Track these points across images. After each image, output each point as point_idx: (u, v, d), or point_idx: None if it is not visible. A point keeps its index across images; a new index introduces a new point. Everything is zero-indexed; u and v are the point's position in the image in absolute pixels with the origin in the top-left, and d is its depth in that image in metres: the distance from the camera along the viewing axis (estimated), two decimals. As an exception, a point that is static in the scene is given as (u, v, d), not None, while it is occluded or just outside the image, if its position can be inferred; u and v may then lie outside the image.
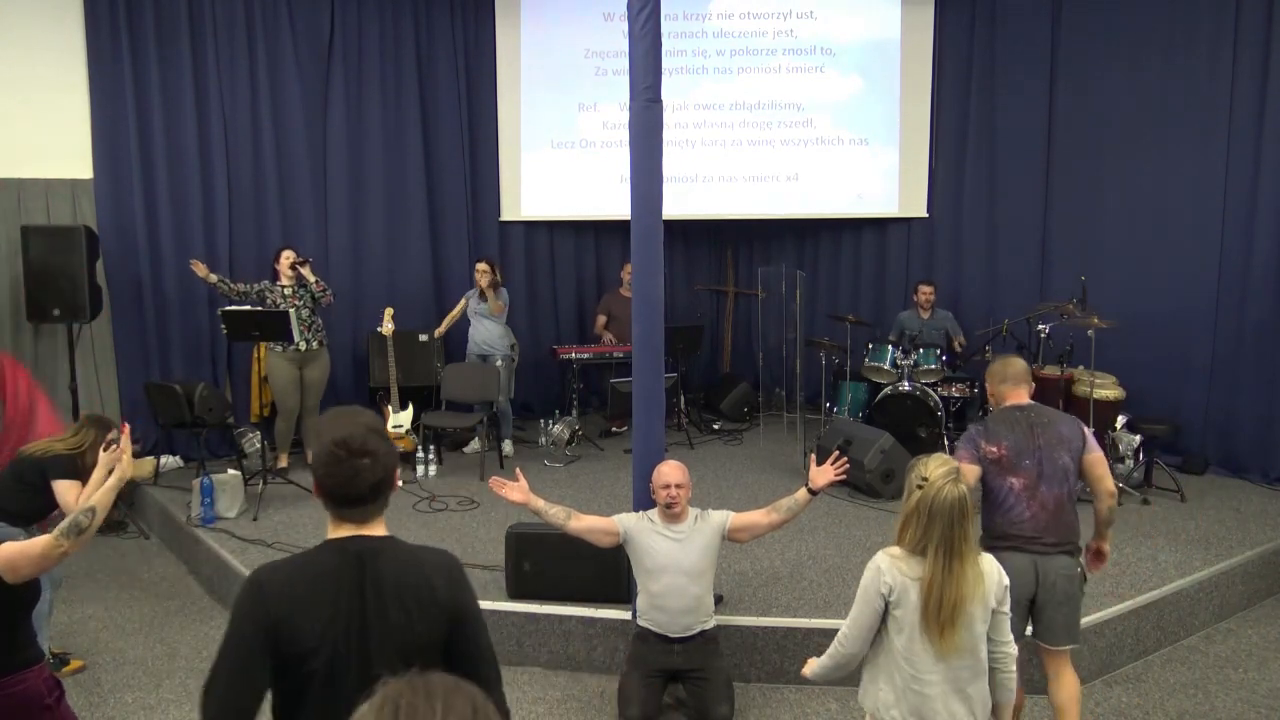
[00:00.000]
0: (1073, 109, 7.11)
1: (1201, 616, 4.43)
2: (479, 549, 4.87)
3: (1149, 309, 6.55)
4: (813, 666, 2.59)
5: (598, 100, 8.00)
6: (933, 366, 6.61)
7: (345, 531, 1.80)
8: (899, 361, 6.59)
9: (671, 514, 3.56)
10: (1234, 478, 6.19)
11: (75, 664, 4.11)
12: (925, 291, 7.15)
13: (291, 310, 5.77)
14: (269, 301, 6.01)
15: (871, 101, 7.99)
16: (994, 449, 3.19)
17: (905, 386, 6.44)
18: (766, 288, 7.99)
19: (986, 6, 7.55)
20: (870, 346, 6.99)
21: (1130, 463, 5.83)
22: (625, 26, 3.72)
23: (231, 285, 6.06)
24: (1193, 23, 6.41)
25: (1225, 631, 4.44)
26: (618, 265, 8.12)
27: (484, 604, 4.13)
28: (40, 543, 2.41)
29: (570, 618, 4.08)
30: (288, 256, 6.14)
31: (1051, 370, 5.96)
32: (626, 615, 3.93)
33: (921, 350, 6.63)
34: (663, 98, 3.68)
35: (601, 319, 7.83)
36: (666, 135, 3.78)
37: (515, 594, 4.21)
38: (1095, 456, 3.23)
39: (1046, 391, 5.85)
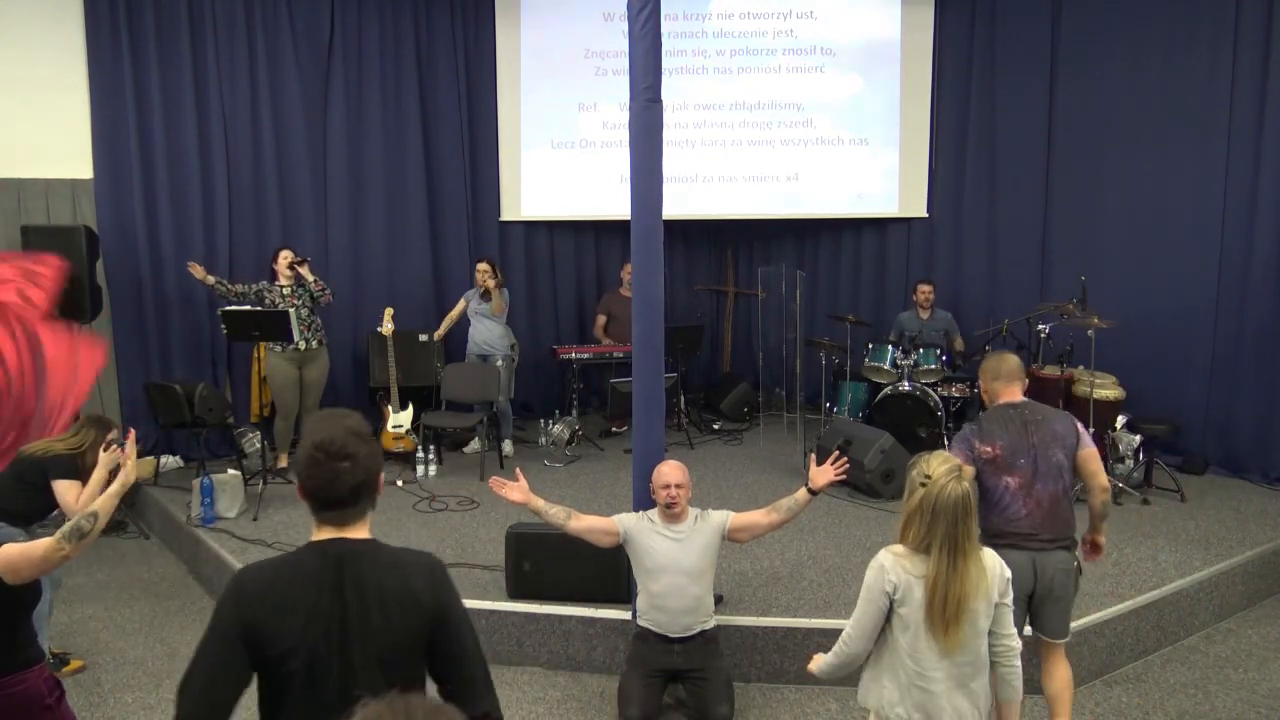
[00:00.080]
0: (1073, 109, 7.11)
1: (1201, 616, 4.43)
2: (479, 549, 4.87)
3: (1149, 309, 6.55)
4: (818, 663, 2.59)
5: (598, 100, 8.00)
6: (933, 366, 6.61)
7: (326, 534, 1.81)
8: (899, 361, 6.59)
9: (671, 514, 3.57)
10: (1234, 478, 6.19)
11: (75, 664, 4.11)
12: (924, 291, 7.15)
13: (291, 310, 5.77)
14: (267, 302, 6.01)
15: (871, 101, 7.99)
16: (988, 449, 3.20)
17: (905, 386, 6.44)
18: (766, 288, 8.00)
19: (986, 6, 7.55)
20: (870, 346, 6.99)
21: (1130, 463, 5.84)
22: (625, 26, 3.71)
23: (229, 286, 6.06)
24: (1193, 23, 6.41)
25: (1225, 631, 4.44)
26: (618, 265, 8.12)
27: (484, 604, 4.18)
28: (41, 545, 2.41)
29: (570, 618, 4.08)
30: (286, 256, 6.13)
31: (1051, 370, 5.96)
32: (626, 615, 3.93)
33: (921, 350, 6.64)
34: (663, 98, 3.68)
35: (601, 319, 7.83)
36: (666, 135, 3.78)
37: (515, 594, 4.21)
38: (1089, 452, 3.24)
39: (1046, 391, 5.85)
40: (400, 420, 6.57)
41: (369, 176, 7.46)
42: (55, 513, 3.83)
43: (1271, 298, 6.09)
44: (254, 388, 6.80)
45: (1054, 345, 6.08)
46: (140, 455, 5.35)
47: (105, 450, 3.59)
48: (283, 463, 6.23)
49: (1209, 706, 3.75)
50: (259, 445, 6.42)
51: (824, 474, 3.46)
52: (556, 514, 3.60)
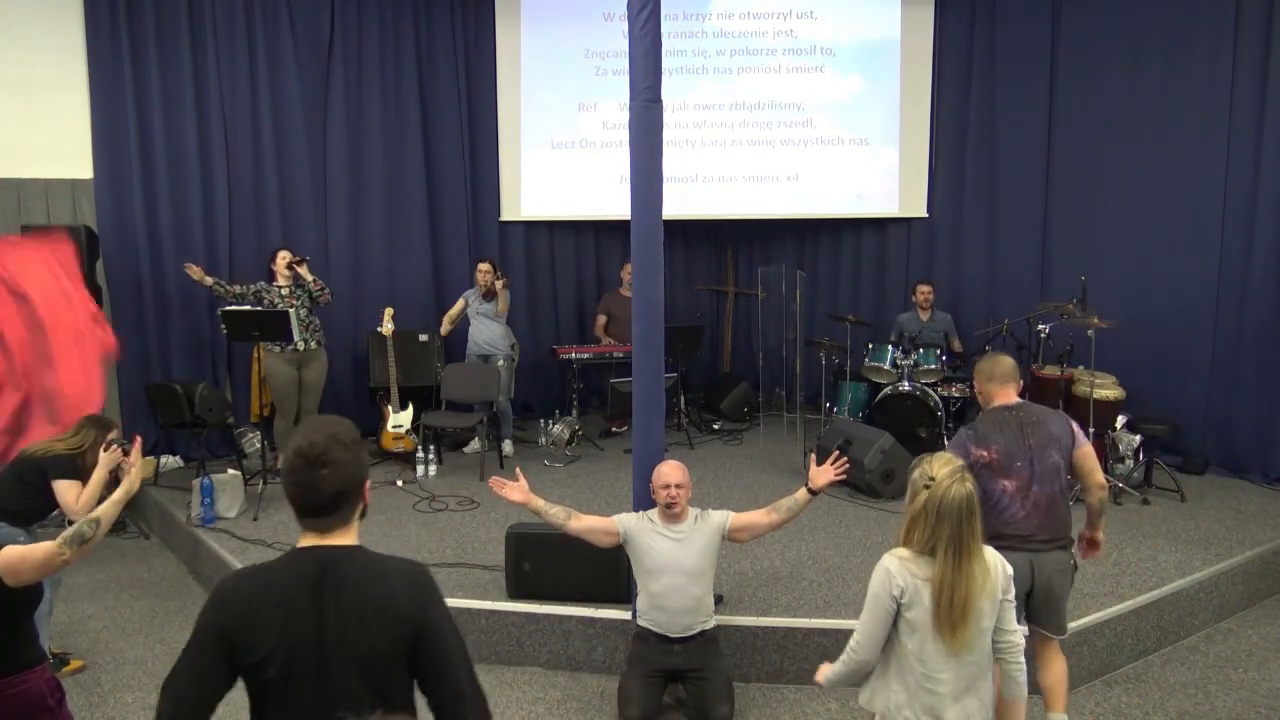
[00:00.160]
0: (1073, 109, 7.11)
1: (1201, 616, 4.43)
2: (479, 549, 4.87)
3: (1149, 309, 6.55)
4: (826, 672, 2.55)
5: (598, 100, 8.01)
6: (933, 366, 6.62)
7: (309, 540, 1.80)
8: (899, 361, 6.60)
9: (671, 514, 3.57)
10: (1234, 478, 6.19)
11: (75, 664, 4.11)
12: (923, 291, 7.15)
13: (291, 310, 5.77)
14: (266, 302, 6.01)
15: (871, 101, 7.99)
16: (984, 453, 3.21)
17: (905, 386, 6.44)
18: (766, 288, 8.00)
19: (986, 6, 7.55)
20: (870, 346, 6.99)
21: (1130, 463, 5.84)
22: (625, 26, 3.72)
23: (227, 287, 6.06)
24: (1193, 23, 6.40)
25: (1225, 631, 4.44)
26: (618, 265, 8.12)
27: (484, 604, 4.18)
28: (42, 549, 2.42)
29: (570, 618, 4.07)
30: (284, 257, 6.13)
31: (1051, 370, 5.96)
32: (626, 615, 3.93)
33: (921, 350, 6.64)
34: (663, 98, 3.68)
35: (601, 319, 7.83)
36: (666, 135, 3.78)
37: (515, 594, 4.21)
38: (1085, 451, 3.27)
39: (1046, 392, 5.86)
40: (400, 420, 6.57)
41: (369, 176, 7.46)
42: (55, 512, 3.83)
43: (1271, 298, 6.09)
44: (254, 388, 6.80)
45: (1054, 345, 6.08)
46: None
47: (105, 450, 3.60)
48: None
49: (1209, 706, 3.75)
50: (259, 445, 6.43)
51: (824, 474, 3.47)
52: (556, 514, 3.60)
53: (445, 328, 6.93)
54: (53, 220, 6.17)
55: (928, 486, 2.33)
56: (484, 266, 6.82)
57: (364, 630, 1.71)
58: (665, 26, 3.75)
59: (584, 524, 3.61)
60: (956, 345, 7.14)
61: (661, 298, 3.77)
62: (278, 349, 6.04)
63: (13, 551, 2.39)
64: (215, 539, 5.06)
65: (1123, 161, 6.81)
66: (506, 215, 8.10)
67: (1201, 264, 6.41)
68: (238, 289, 6.06)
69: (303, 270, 6.10)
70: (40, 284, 4.20)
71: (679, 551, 3.52)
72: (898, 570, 2.34)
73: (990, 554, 2.40)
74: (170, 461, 6.58)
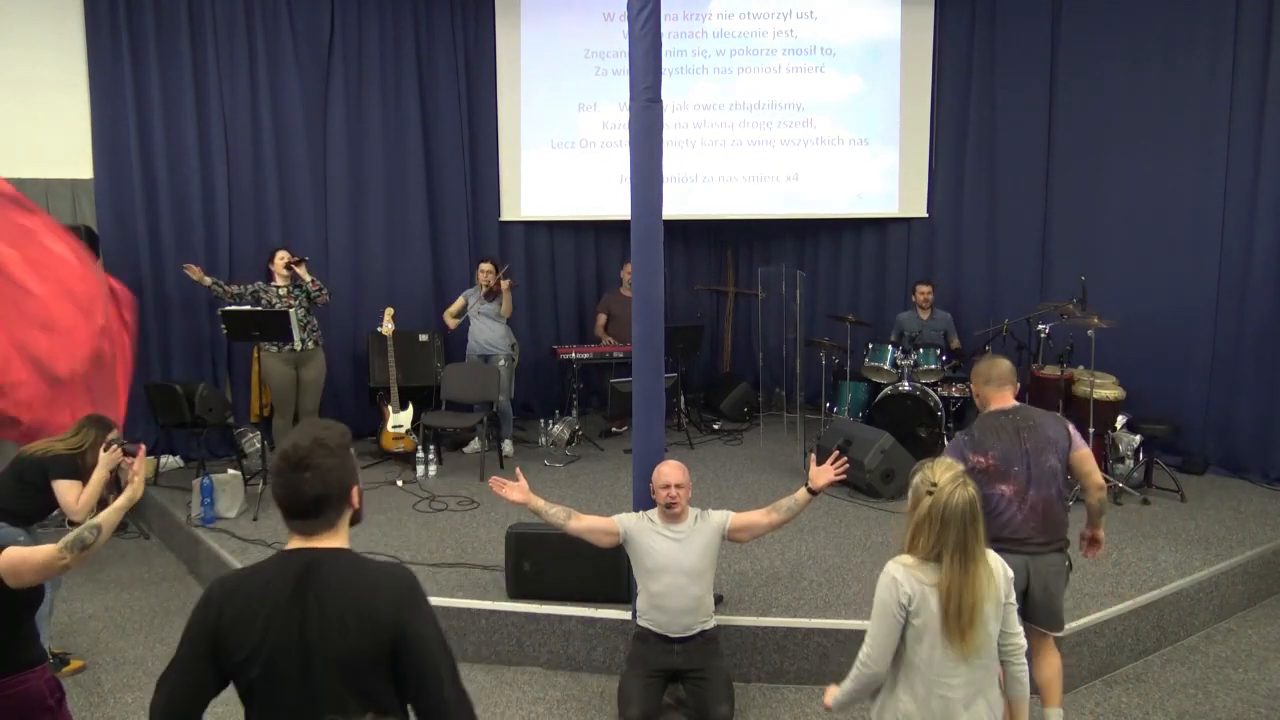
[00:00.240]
0: (1073, 109, 7.11)
1: (1201, 616, 4.43)
2: (479, 549, 4.87)
3: (1149, 309, 6.55)
4: (834, 694, 2.51)
5: (598, 100, 8.01)
6: (933, 366, 6.62)
7: (296, 543, 1.81)
8: (899, 361, 6.60)
9: (671, 514, 3.57)
10: (1234, 478, 6.19)
11: (75, 664, 4.11)
12: (923, 291, 7.15)
13: (291, 310, 5.77)
14: (263, 302, 6.01)
15: (871, 101, 7.99)
16: (981, 459, 3.23)
17: (905, 386, 6.44)
18: (766, 288, 8.00)
19: (986, 6, 7.55)
20: (870, 346, 6.99)
21: (1130, 463, 5.84)
22: (625, 26, 3.72)
23: (225, 287, 6.05)
24: (1193, 23, 6.40)
25: (1225, 631, 4.44)
26: (618, 265, 8.12)
27: (484, 604, 4.18)
28: (43, 553, 2.43)
29: (570, 618, 4.07)
30: (282, 257, 6.13)
31: (1051, 370, 5.96)
32: (626, 615, 3.93)
33: (921, 350, 6.64)
34: (663, 98, 3.68)
35: (601, 318, 7.83)
36: (666, 135, 3.78)
37: (515, 594, 4.21)
38: (1082, 453, 3.29)
39: (1046, 392, 5.86)
40: (400, 420, 6.57)
41: (369, 176, 7.46)
42: (55, 512, 3.83)
43: (1271, 298, 6.08)
44: (254, 388, 6.79)
45: (1054, 345, 6.08)
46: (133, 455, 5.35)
47: (105, 450, 3.60)
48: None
49: (1209, 706, 3.76)
50: (259, 445, 6.42)
51: (824, 474, 3.47)
52: (556, 514, 3.60)
53: (451, 323, 6.91)
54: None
55: (930, 492, 2.32)
56: (486, 266, 6.82)
57: (344, 633, 1.71)
58: (665, 26, 3.75)
59: (584, 524, 3.61)
60: (955, 343, 7.14)
61: (661, 298, 3.77)
62: (274, 349, 6.04)
63: (14, 553, 2.40)
64: (215, 539, 5.06)
65: (1123, 161, 6.81)
66: (506, 215, 8.10)
67: (1201, 264, 6.41)
68: (235, 289, 6.06)
69: (301, 270, 6.10)
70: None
71: (679, 551, 3.52)
72: (904, 577, 2.32)
73: (992, 557, 2.40)
74: (170, 461, 6.58)
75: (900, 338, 6.90)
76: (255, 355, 6.40)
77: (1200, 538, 4.98)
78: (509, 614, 4.12)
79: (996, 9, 7.49)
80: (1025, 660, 2.47)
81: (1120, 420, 5.96)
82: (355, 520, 1.91)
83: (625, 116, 3.83)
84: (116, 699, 3.85)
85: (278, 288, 6.13)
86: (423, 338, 7.28)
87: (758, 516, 3.61)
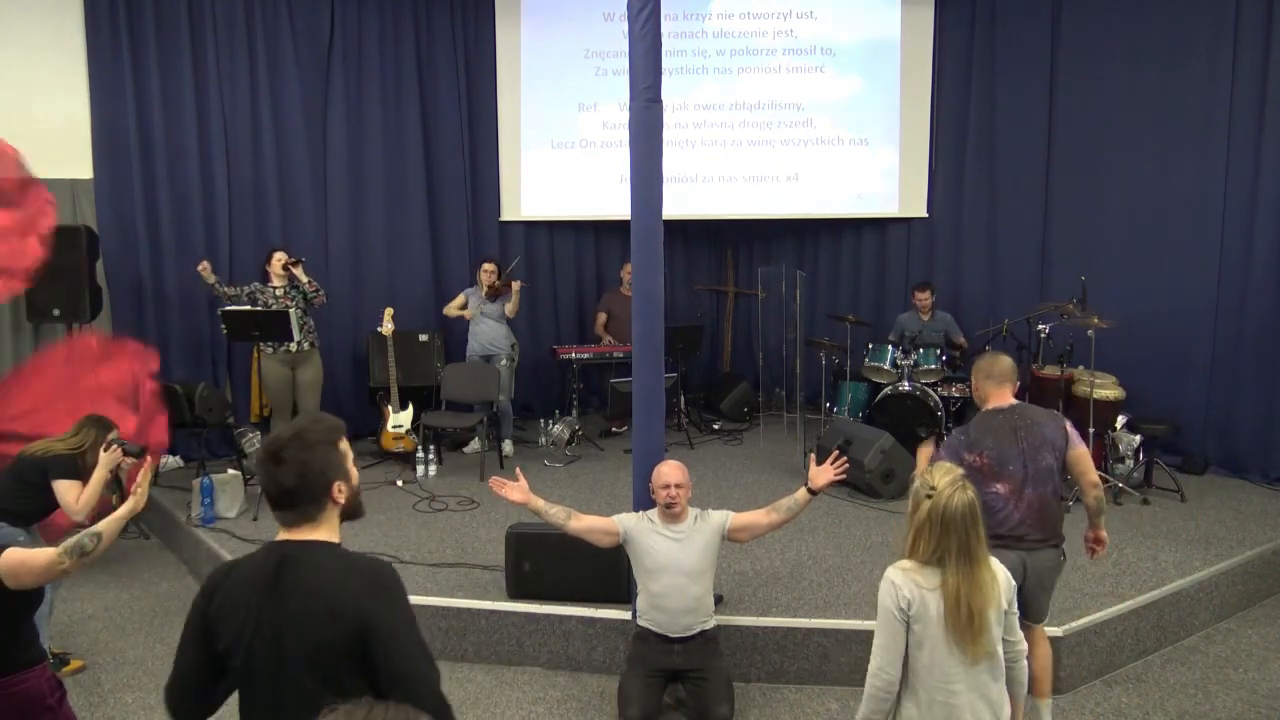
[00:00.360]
0: (1073, 109, 7.11)
1: (1201, 616, 4.43)
2: (479, 549, 4.87)
3: (1149, 309, 6.55)
4: None
5: (598, 100, 8.00)
6: (933, 366, 6.61)
7: (280, 534, 1.84)
8: (899, 361, 6.60)
9: (671, 514, 3.57)
10: (1234, 478, 6.19)
11: (75, 664, 4.11)
12: (921, 297, 7.14)
13: (291, 310, 5.77)
14: (260, 303, 6.01)
15: (871, 101, 7.99)
16: (976, 458, 3.25)
17: (905, 386, 6.44)
18: (766, 288, 7.99)
19: (986, 6, 7.55)
20: (870, 346, 6.99)
21: (1130, 463, 5.83)
22: (625, 26, 3.72)
23: (224, 289, 6.06)
24: (1193, 23, 6.40)
25: (1225, 631, 4.44)
26: (618, 265, 8.12)
27: (484, 604, 4.18)
28: (43, 557, 2.44)
29: (570, 618, 4.07)
30: (280, 258, 6.13)
31: (1051, 370, 5.96)
32: (626, 615, 3.93)
33: (921, 350, 6.64)
34: (663, 98, 3.68)
35: (602, 317, 7.83)
36: (666, 135, 3.79)
37: (515, 594, 4.21)
38: (1079, 452, 3.30)
39: (1046, 392, 5.86)
40: (400, 420, 6.57)
41: (369, 176, 7.45)
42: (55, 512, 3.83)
43: (1271, 298, 6.08)
44: (254, 388, 6.79)
45: (1054, 345, 6.08)
46: (139, 455, 5.36)
47: (105, 450, 3.60)
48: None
49: (1209, 706, 3.76)
50: (259, 445, 6.42)
51: (824, 474, 3.47)
52: (556, 514, 3.60)
53: (469, 314, 6.85)
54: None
55: (929, 496, 2.31)
56: (489, 266, 6.82)
57: (312, 625, 1.73)
58: (665, 26, 3.75)
59: (584, 524, 3.61)
60: (960, 340, 7.10)
61: (661, 297, 3.78)
62: (270, 349, 6.04)
63: (14, 555, 2.40)
64: (215, 539, 5.06)
65: (1123, 162, 6.81)
66: (506, 215, 8.10)
67: (1201, 264, 6.41)
68: (231, 291, 6.05)
69: (297, 271, 6.10)
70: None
71: (679, 551, 3.52)
72: (902, 581, 2.32)
73: (995, 564, 2.40)
74: (170, 461, 6.58)
75: (900, 338, 6.89)
76: (255, 355, 6.40)
77: (1200, 538, 4.98)
78: (509, 614, 4.12)
79: (996, 9, 7.49)
80: (1025, 662, 2.47)
81: (1120, 420, 5.96)
82: (351, 515, 1.91)
83: (625, 116, 3.83)
84: (116, 699, 3.85)
85: (274, 288, 6.13)
86: (423, 338, 7.28)
87: (758, 516, 3.61)
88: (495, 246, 7.96)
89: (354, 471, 1.90)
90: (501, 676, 4.02)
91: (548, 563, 4.16)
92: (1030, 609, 3.27)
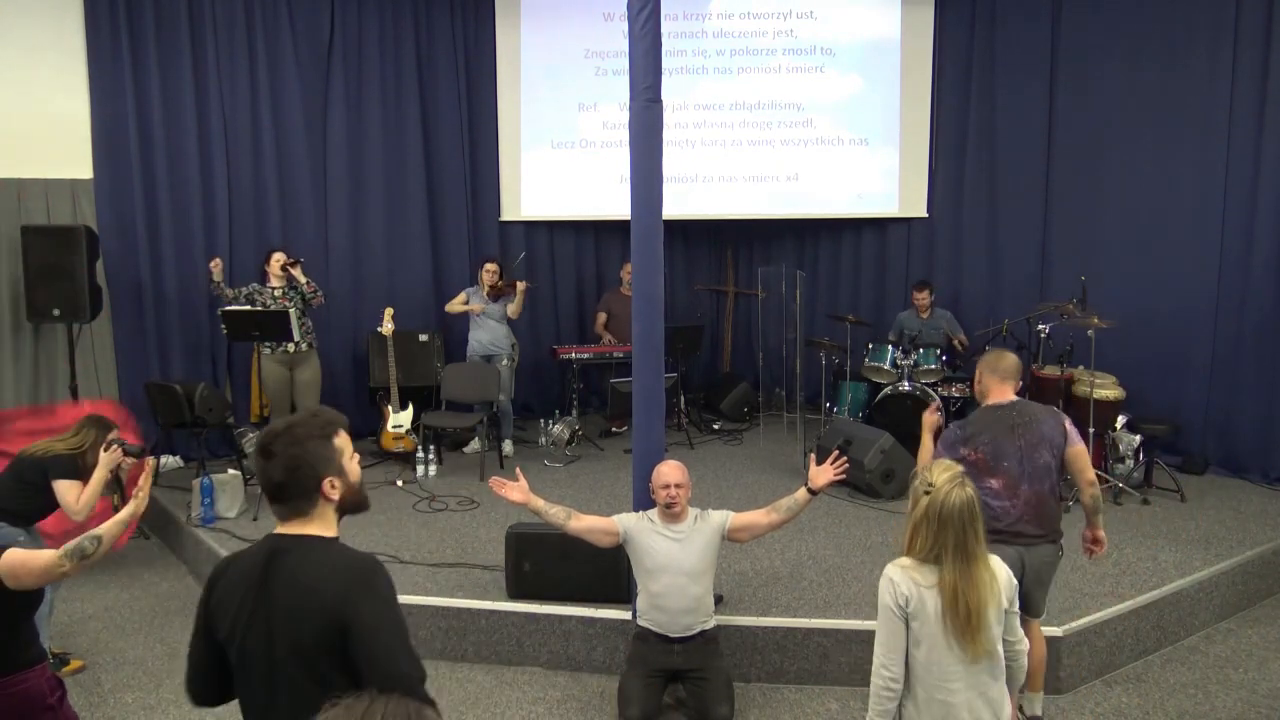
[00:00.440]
0: (1073, 109, 7.10)
1: (1201, 616, 4.43)
2: (479, 549, 4.87)
3: (1149, 308, 6.55)
4: None
5: (598, 100, 8.00)
6: (933, 366, 6.61)
7: (277, 528, 1.85)
8: (899, 361, 6.60)
9: (671, 514, 3.57)
10: (1234, 478, 6.19)
11: (75, 664, 4.11)
12: (920, 296, 7.14)
13: (291, 310, 5.77)
14: (258, 303, 6.01)
15: (871, 101, 7.99)
16: (970, 453, 3.28)
17: (905, 386, 6.44)
18: (766, 288, 8.00)
19: (986, 6, 7.55)
20: (870, 346, 6.99)
21: (1130, 463, 5.83)
22: (625, 26, 3.72)
23: (225, 289, 6.06)
24: (1193, 23, 6.40)
25: (1225, 631, 4.44)
26: (618, 265, 8.12)
27: (484, 604, 4.18)
28: (44, 559, 2.44)
29: (570, 618, 4.08)
30: (278, 259, 6.14)
31: (1051, 370, 5.96)
32: (626, 615, 3.93)
33: (921, 350, 6.64)
34: (663, 98, 3.68)
35: (601, 317, 7.83)
36: (666, 135, 3.79)
37: (515, 594, 4.21)
38: (1077, 450, 3.33)
39: (1046, 392, 5.86)
40: (400, 420, 6.56)
41: (369, 176, 7.45)
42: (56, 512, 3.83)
43: (1271, 298, 6.08)
44: (254, 388, 6.79)
45: (1054, 345, 6.08)
46: (140, 455, 5.36)
47: (106, 450, 3.60)
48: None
49: (1209, 706, 3.75)
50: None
51: (824, 474, 3.47)
52: (556, 514, 3.60)
53: (475, 309, 6.83)
54: (53, 220, 6.17)
55: (927, 493, 2.32)
56: (490, 267, 6.82)
57: (297, 620, 1.73)
58: (665, 26, 3.75)
59: (584, 524, 3.61)
60: (962, 339, 7.09)
61: (661, 297, 3.78)
62: (269, 350, 6.04)
63: (14, 556, 2.40)
64: (215, 539, 5.06)
65: (1123, 162, 6.81)
66: (506, 215, 8.10)
67: (1201, 264, 6.41)
68: (230, 292, 6.05)
69: (296, 272, 6.10)
70: None
71: (679, 551, 3.52)
72: (900, 578, 2.33)
73: (995, 562, 2.39)
74: (170, 461, 6.58)
75: (900, 337, 6.89)
76: (255, 355, 6.40)
77: (1200, 538, 4.98)
78: (509, 614, 4.12)
79: (996, 9, 7.49)
80: (1025, 661, 2.47)
81: (1120, 420, 5.96)
82: (352, 509, 1.89)
83: (625, 116, 3.83)
84: (116, 699, 3.85)
85: (273, 289, 6.13)
86: (423, 338, 7.28)
87: (757, 516, 3.61)
88: (495, 246, 7.96)
89: (352, 467, 1.88)
90: (501, 676, 4.02)
91: (548, 563, 4.16)
92: (1028, 604, 3.27)
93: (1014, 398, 3.40)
